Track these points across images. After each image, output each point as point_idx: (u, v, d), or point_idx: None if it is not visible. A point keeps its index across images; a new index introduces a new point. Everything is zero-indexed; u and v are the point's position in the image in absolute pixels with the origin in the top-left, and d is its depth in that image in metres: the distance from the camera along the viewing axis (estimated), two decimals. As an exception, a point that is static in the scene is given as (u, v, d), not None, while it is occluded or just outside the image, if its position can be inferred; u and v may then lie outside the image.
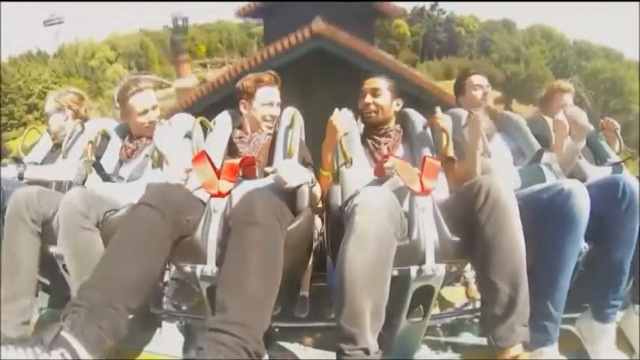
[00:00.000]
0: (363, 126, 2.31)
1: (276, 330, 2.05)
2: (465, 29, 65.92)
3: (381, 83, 2.29)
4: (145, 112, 2.26)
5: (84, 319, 1.38)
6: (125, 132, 2.37)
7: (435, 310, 1.91)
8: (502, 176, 1.84)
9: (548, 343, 1.75)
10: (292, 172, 1.80)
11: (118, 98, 2.31)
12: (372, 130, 2.27)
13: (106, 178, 2.09)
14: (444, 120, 2.10)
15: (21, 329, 1.76)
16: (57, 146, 2.46)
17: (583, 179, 2.13)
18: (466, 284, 2.85)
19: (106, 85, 43.39)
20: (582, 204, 1.67)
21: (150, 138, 2.22)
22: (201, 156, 1.78)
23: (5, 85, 33.57)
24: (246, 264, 1.45)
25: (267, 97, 2.23)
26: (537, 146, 2.22)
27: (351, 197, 1.67)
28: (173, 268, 2.17)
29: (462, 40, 64.80)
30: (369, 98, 2.26)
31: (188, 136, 2.24)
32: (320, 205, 2.12)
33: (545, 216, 1.72)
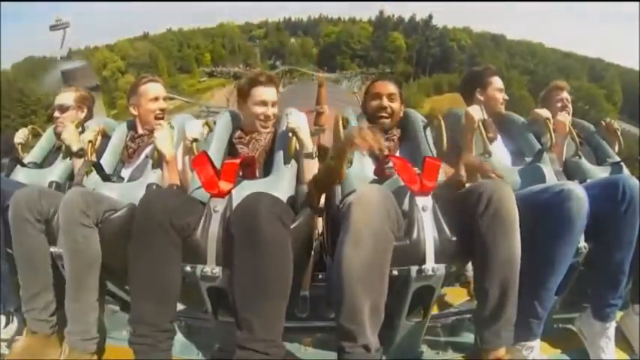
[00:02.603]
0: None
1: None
2: (457, 44, 66.40)
3: (395, 89, 2.17)
4: (156, 99, 2.22)
5: (149, 353, 1.51)
6: (126, 132, 2.29)
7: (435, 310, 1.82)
8: (504, 181, 1.74)
9: (531, 338, 1.71)
10: (301, 120, 1.90)
11: (129, 90, 2.29)
12: None
13: (106, 178, 2.01)
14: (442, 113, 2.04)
15: (48, 324, 1.78)
16: (58, 148, 2.35)
17: (583, 179, 2.06)
18: (468, 284, 2.74)
19: (119, 95, 43.58)
20: (580, 206, 1.59)
21: (151, 136, 2.14)
22: (201, 156, 1.70)
23: (27, 97, 33.91)
24: (262, 281, 1.44)
25: (260, 96, 2.10)
26: (537, 146, 2.13)
27: (347, 195, 1.59)
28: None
29: (454, 54, 65.30)
30: (385, 101, 2.13)
31: None
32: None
33: (543, 216, 1.64)
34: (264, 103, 2.09)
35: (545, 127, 2.12)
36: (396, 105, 2.15)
